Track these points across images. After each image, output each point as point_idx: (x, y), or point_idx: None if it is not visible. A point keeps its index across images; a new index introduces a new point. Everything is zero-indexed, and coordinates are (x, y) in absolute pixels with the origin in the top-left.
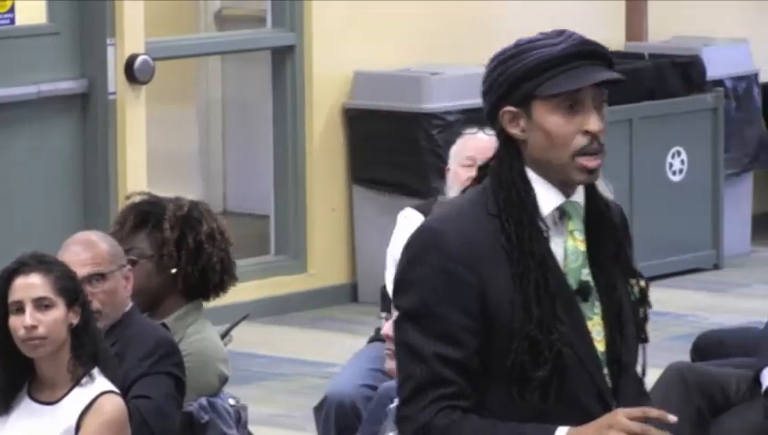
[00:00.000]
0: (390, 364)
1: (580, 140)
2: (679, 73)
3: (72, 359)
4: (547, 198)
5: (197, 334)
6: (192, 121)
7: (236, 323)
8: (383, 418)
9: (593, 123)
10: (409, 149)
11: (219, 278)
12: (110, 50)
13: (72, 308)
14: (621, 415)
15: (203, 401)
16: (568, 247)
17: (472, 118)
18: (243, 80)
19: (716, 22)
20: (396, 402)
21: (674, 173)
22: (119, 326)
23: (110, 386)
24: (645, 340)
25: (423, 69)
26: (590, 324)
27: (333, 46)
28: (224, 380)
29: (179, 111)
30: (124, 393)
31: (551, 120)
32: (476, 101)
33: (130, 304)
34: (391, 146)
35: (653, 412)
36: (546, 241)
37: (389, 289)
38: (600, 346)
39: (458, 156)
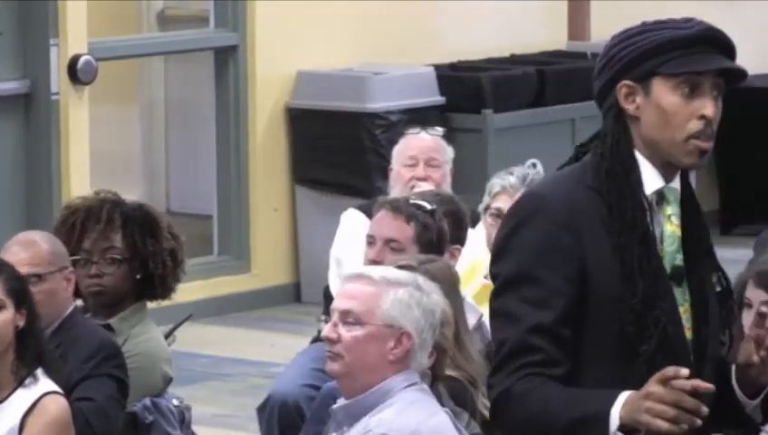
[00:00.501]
0: (331, 365)
1: (696, 124)
2: None
3: (15, 360)
4: (649, 179)
5: (142, 335)
6: (135, 122)
7: (180, 324)
8: (326, 418)
9: (710, 108)
10: (352, 149)
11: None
12: (52, 50)
13: (19, 310)
14: (655, 384)
15: (147, 401)
16: (665, 231)
17: (415, 118)
18: (186, 80)
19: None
20: (338, 403)
21: None
22: (62, 328)
23: (53, 387)
24: (731, 338)
25: (366, 69)
26: (680, 310)
27: (276, 46)
28: (168, 380)
29: (122, 112)
30: (67, 395)
31: (669, 99)
32: (419, 100)
33: (72, 306)
34: (334, 146)
35: (683, 371)
36: (648, 218)
37: (333, 289)
38: (688, 334)
39: (401, 156)
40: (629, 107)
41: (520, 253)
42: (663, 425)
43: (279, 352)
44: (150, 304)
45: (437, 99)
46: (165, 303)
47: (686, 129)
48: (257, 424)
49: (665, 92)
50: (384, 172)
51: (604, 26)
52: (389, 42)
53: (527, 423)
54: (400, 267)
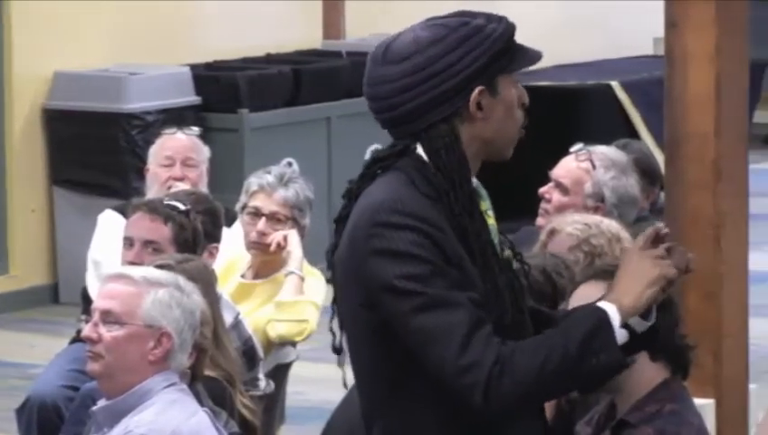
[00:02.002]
0: (92, 366)
1: (521, 114)
2: None
3: None
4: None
5: None
6: None
7: None
8: (85, 418)
9: (527, 96)
10: (109, 150)
11: None
12: None
13: None
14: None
15: None
16: (488, 226)
17: (171, 118)
18: None
19: (412, 19)
20: (99, 404)
21: None
22: None
23: None
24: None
25: (122, 69)
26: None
27: (32, 47)
28: None
29: None
30: None
31: (513, 93)
32: (175, 100)
33: None
34: (91, 147)
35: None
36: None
37: (91, 291)
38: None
39: (157, 156)
40: (476, 111)
41: (413, 253)
42: (672, 270)
43: (38, 353)
44: None
45: (194, 99)
46: None
47: (519, 119)
48: (16, 425)
49: (508, 88)
50: (141, 173)
51: (358, 25)
52: (145, 42)
53: (540, 372)
54: (159, 267)
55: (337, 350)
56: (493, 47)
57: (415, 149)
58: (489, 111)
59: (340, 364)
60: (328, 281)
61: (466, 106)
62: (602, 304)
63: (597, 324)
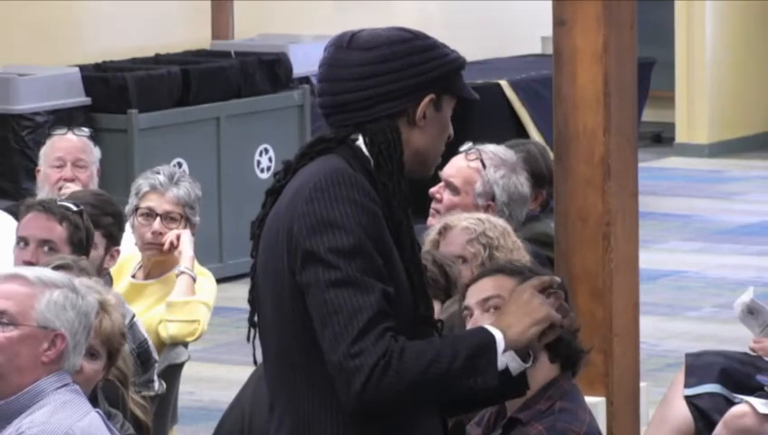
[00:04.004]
0: None
1: (444, 144)
2: (266, 71)
3: None
4: None
5: None
6: None
7: None
8: None
9: (452, 132)
10: None
11: None
12: None
13: None
14: (531, 288)
15: None
16: None
17: (61, 118)
18: None
19: (300, 20)
20: None
21: (262, 171)
22: None
23: None
24: None
25: (11, 70)
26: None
27: None
28: None
29: None
30: None
31: (449, 117)
32: (65, 101)
33: None
34: None
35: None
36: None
37: None
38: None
39: (48, 157)
40: (421, 117)
41: (348, 227)
42: (557, 315)
43: None
44: None
45: (83, 99)
46: None
47: (443, 145)
48: None
49: (448, 111)
50: (31, 174)
51: (248, 25)
52: (34, 43)
53: (423, 375)
54: (58, 267)
55: (254, 323)
56: (448, 65)
57: (355, 140)
58: (430, 122)
59: (250, 338)
60: (218, 280)
61: (414, 110)
62: (491, 329)
63: (484, 346)
